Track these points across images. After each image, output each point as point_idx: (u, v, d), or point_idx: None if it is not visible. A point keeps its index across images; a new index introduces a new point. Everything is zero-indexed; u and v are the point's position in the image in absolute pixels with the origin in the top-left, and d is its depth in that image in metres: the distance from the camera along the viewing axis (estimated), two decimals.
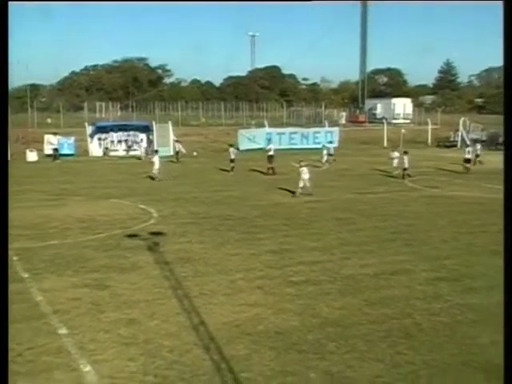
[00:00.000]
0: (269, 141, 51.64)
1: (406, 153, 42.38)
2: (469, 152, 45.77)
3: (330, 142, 58.56)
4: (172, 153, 54.56)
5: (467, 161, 44.72)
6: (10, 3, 7.62)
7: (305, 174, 32.49)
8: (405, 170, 41.24)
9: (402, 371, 11.47)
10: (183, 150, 54.40)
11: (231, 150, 45.74)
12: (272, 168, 42.82)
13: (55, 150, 52.25)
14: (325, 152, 47.47)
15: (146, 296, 15.85)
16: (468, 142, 62.08)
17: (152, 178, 38.69)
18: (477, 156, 46.23)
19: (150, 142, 56.68)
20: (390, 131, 65.11)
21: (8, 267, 7.69)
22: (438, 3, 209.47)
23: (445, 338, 13.10)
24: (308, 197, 31.80)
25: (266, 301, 15.45)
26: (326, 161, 46.97)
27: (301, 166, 33.60)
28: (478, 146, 48.41)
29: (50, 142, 53.59)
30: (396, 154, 42.97)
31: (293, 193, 32.43)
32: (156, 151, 43.25)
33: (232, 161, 45.01)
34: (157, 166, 39.42)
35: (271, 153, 45.09)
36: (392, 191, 34.85)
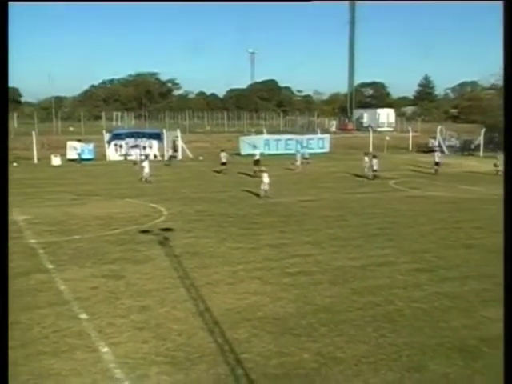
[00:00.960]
0: (254, 147, 51.42)
1: (375, 157, 43.07)
2: (438, 156, 46.52)
3: (322, 148, 58.75)
4: (181, 157, 54.54)
5: (437, 164, 45.44)
6: (10, 3, 7.32)
7: (265, 178, 32.14)
8: (374, 171, 41.78)
9: (385, 352, 11.51)
10: (190, 155, 54.31)
11: (222, 154, 45.73)
12: (259, 171, 42.44)
13: (79, 154, 52.34)
14: (299, 156, 47.27)
15: (157, 285, 15.88)
16: (444, 148, 62.28)
17: (144, 181, 38.41)
18: (436, 164, 46.28)
19: (160, 147, 56.67)
20: (375, 138, 65.14)
21: (8, 267, 7.10)
22: (420, 19, 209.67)
23: (423, 323, 13.15)
24: (301, 195, 31.84)
25: (264, 290, 15.48)
26: (301, 163, 46.69)
27: (261, 171, 34.12)
28: (438, 153, 48.74)
29: (74, 148, 53.66)
30: (366, 158, 43.17)
31: (257, 195, 32.30)
32: (146, 156, 42.82)
33: (223, 164, 44.99)
34: (147, 170, 39.12)
35: (257, 157, 44.86)
36: (377, 191, 34.83)
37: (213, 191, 34.41)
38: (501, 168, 45.74)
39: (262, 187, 31.93)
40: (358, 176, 42.05)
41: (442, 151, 60.89)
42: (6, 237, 6.97)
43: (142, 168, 39.69)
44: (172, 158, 52.96)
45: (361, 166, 42.76)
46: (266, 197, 31.52)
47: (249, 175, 41.74)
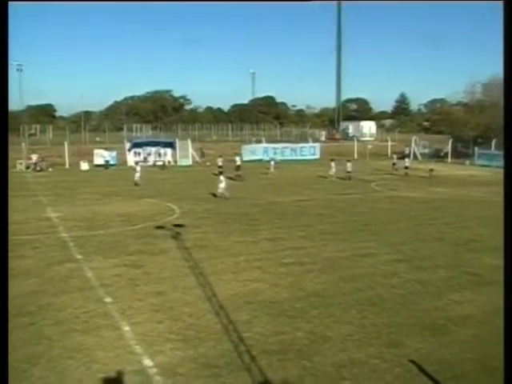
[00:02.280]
0: (239, 155, 51.14)
1: (348, 161, 44.79)
2: (407, 161, 47.92)
3: (313, 154, 58.79)
4: (191, 163, 54.47)
5: (406, 167, 46.61)
6: (10, 3, 6.68)
7: (221, 182, 32.21)
8: (348, 172, 42.98)
9: (367, 331, 11.58)
10: (199, 160, 54.29)
11: (219, 159, 45.64)
12: (240, 175, 42.45)
13: (106, 161, 52.41)
14: (272, 163, 47.04)
15: (170, 273, 15.92)
16: (418, 155, 62.42)
17: (136, 184, 38.14)
18: (406, 167, 46.80)
19: (173, 154, 56.75)
20: (359, 146, 65.29)
21: (8, 267, 6.61)
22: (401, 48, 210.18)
23: (400, 306, 13.21)
24: (295, 196, 31.89)
25: (263, 278, 15.52)
26: (274, 168, 46.35)
27: (219, 174, 35.56)
28: (407, 159, 49.33)
29: (102, 155, 53.83)
30: (332, 163, 43.70)
31: (214, 195, 32.32)
32: (137, 163, 42.50)
33: (220, 167, 44.82)
34: (138, 174, 38.83)
35: (238, 163, 44.79)
36: (360, 193, 34.84)
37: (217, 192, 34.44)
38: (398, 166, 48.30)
39: (219, 190, 31.99)
40: (341, 179, 42.07)
41: (414, 157, 61.37)
42: (6, 237, 6.47)
43: (135, 172, 39.45)
44: (196, 163, 53.25)
45: (343, 170, 42.92)
46: (224, 197, 31.61)
47: (232, 179, 41.69)
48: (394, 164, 49.41)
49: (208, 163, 55.41)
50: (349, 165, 43.58)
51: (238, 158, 46.41)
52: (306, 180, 41.66)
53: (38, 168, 48.75)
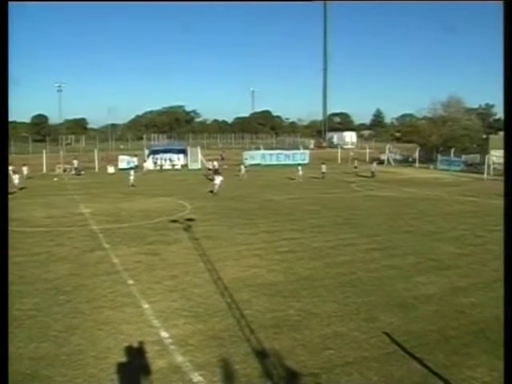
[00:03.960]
0: (252, 159, 50.71)
1: (323, 163, 45.94)
2: (374, 166, 47.97)
3: (303, 160, 58.82)
4: (200, 167, 54.37)
5: (372, 172, 46.34)
6: (10, 3, 5.97)
7: (218, 179, 33.66)
8: (323, 173, 44.16)
9: (349, 308, 11.65)
10: (206, 164, 54.28)
11: (214, 163, 45.44)
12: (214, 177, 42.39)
13: (136, 166, 51.71)
14: (242, 167, 46.61)
15: (182, 260, 15.97)
16: (391, 161, 62.54)
17: (132, 185, 37.48)
18: (372, 172, 46.93)
19: (185, 159, 56.65)
20: (342, 153, 65.25)
21: (8, 267, 6.09)
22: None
23: (376, 287, 13.26)
24: (289, 195, 31.94)
25: (261, 264, 15.55)
26: (245, 171, 45.06)
27: (218, 174, 36.04)
28: (374, 164, 49.69)
29: (126, 161, 53.74)
30: (323, 166, 44.90)
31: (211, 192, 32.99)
32: (131, 168, 42.06)
33: (210, 169, 44.81)
34: (132, 177, 38.30)
35: (217, 167, 44.80)
36: (343, 192, 34.78)
37: (223, 192, 34.42)
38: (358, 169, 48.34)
39: (215, 187, 33.03)
40: (330, 180, 42.08)
41: (388, 162, 61.54)
42: (6, 236, 5.92)
43: (129, 175, 39.00)
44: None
45: (332, 173, 43.04)
46: (214, 193, 32.50)
47: (210, 180, 41.55)
48: (355, 167, 49.59)
49: (225, 166, 55.20)
50: (323, 166, 45.07)
51: (215, 163, 46.59)
52: (299, 181, 41.60)
53: (78, 172, 48.35)
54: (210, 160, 47.54)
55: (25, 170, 43.41)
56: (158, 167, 54.16)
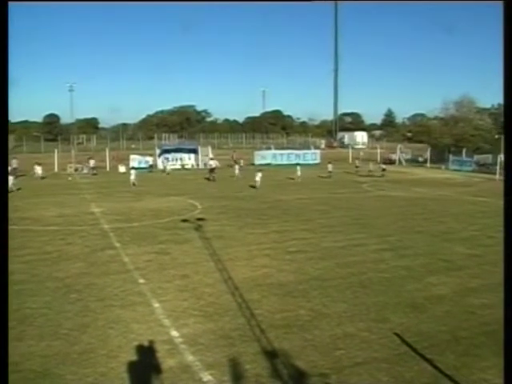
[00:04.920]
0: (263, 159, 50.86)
1: (330, 162, 46.68)
2: (382, 166, 48.64)
3: (314, 160, 58.80)
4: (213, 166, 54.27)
5: (384, 169, 46.99)
6: (9, 3, 5.88)
7: (258, 176, 35.64)
8: (329, 172, 44.76)
9: (359, 308, 11.62)
10: (219, 165, 54.33)
11: (212, 162, 45.55)
12: (213, 177, 42.34)
13: (151, 166, 51.76)
14: (237, 167, 46.41)
15: (193, 260, 15.99)
16: (403, 161, 62.28)
17: (133, 185, 37.39)
18: (383, 170, 47.22)
19: (196, 158, 56.66)
20: (353, 153, 65.18)
21: (8, 267, 6.09)
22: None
23: (386, 287, 13.22)
24: (299, 195, 31.90)
25: (271, 264, 15.56)
26: (239, 172, 45.12)
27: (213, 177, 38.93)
28: (382, 164, 50.06)
29: (138, 160, 53.94)
30: (329, 165, 45.55)
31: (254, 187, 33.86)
32: (132, 168, 42.07)
33: (212, 170, 44.51)
34: (133, 176, 38.17)
35: (213, 166, 44.39)
36: (353, 192, 34.70)
37: (232, 191, 34.48)
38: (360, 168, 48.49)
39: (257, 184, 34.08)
40: (339, 180, 42.00)
41: (399, 162, 61.31)
42: (6, 236, 5.89)
43: (130, 174, 39.10)
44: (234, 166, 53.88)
45: (340, 172, 42.94)
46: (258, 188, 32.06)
47: (208, 179, 42.32)
48: (356, 167, 49.57)
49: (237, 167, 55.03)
50: (330, 166, 45.61)
51: (211, 163, 46.03)
52: (308, 181, 41.52)
53: (95, 172, 48.19)
54: (211, 159, 47.48)
55: (39, 169, 43.68)
56: (170, 166, 53.94)
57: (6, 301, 5.66)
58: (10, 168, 44.09)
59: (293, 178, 42.23)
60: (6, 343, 5.56)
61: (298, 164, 46.29)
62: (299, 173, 41.95)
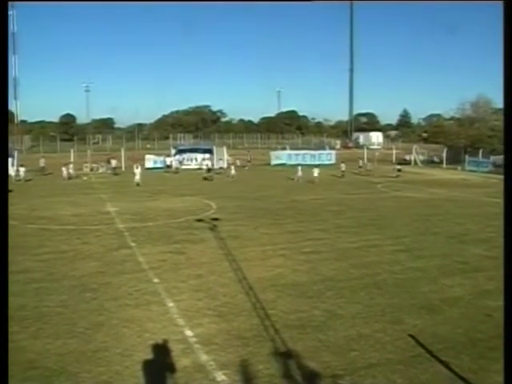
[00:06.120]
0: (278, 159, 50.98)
1: (343, 162, 47.64)
2: (398, 166, 49.28)
3: (329, 160, 58.70)
4: (226, 166, 54.35)
5: (399, 170, 47.10)
6: (9, 3, 5.53)
7: (299, 172, 37.62)
8: (343, 171, 45.57)
9: (373, 310, 11.56)
10: (237, 163, 54.40)
11: (207, 162, 45.48)
12: (211, 176, 43.33)
13: (168, 166, 52.06)
14: (233, 167, 46.44)
15: (208, 259, 16.02)
16: (418, 162, 61.95)
17: (137, 185, 37.86)
18: (399, 170, 47.15)
19: (211, 159, 56.76)
20: (368, 153, 64.50)
21: (8, 267, 5.98)
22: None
23: (401, 289, 13.13)
24: (313, 195, 31.85)
25: (286, 264, 15.54)
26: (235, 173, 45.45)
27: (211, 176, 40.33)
28: (398, 166, 49.85)
29: (153, 160, 54.41)
30: (343, 165, 46.20)
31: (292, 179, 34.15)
32: (137, 167, 42.41)
33: (209, 170, 45.52)
34: (138, 176, 38.58)
35: (209, 167, 46.03)
36: (368, 193, 34.56)
37: (247, 191, 34.49)
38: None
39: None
40: (355, 180, 41.84)
41: (415, 163, 61.00)
42: (6, 236, 5.82)
43: (135, 174, 39.31)
44: (244, 167, 54.52)
45: (354, 173, 42.80)
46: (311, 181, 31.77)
47: (206, 179, 43.06)
48: (360, 167, 49.95)
49: (246, 168, 55.18)
50: (343, 165, 46.26)
51: (207, 163, 47.61)
52: (324, 181, 41.42)
53: (116, 172, 48.36)
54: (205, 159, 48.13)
55: (64, 170, 44.09)
56: (184, 166, 54.00)
57: (5, 301, 5.64)
58: (39, 167, 47.24)
59: (293, 179, 42.07)
60: (6, 343, 5.52)
61: (299, 164, 46.05)
62: (300, 173, 41.74)
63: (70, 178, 43.21)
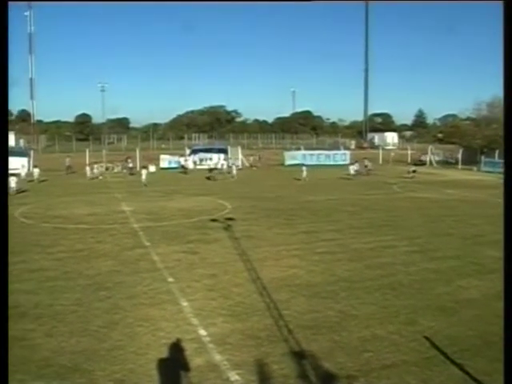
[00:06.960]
0: (293, 159, 50.96)
1: (356, 161, 48.21)
2: (413, 166, 49.57)
3: (344, 160, 58.49)
4: (241, 166, 54.36)
5: (414, 171, 46.67)
6: (10, 3, 5.88)
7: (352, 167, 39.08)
8: (356, 171, 45.63)
9: (388, 311, 11.50)
10: (247, 164, 54.38)
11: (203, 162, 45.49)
12: (213, 176, 43.20)
13: (182, 166, 51.75)
14: (234, 167, 46.69)
15: (222, 259, 16.03)
16: (434, 162, 61.56)
17: (145, 185, 37.73)
18: (414, 171, 46.82)
19: (226, 158, 56.81)
20: (383, 154, 64.57)
21: (8, 266, 6.02)
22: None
23: (416, 290, 13.05)
24: (327, 195, 31.77)
25: (300, 264, 15.50)
26: (236, 172, 46.05)
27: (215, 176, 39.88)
28: (413, 166, 50.00)
29: (168, 160, 54.58)
30: (354, 166, 46.12)
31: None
32: (144, 167, 42.31)
33: (211, 170, 45.35)
34: (144, 176, 38.66)
35: (212, 167, 46.38)
36: (383, 193, 34.33)
37: (262, 191, 34.48)
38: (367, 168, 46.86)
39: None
40: (370, 180, 41.67)
41: (430, 164, 60.65)
42: (6, 237, 5.77)
43: (141, 174, 39.39)
44: (252, 167, 54.62)
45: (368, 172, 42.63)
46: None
47: (208, 178, 43.19)
48: (365, 166, 49.60)
49: (255, 168, 55.26)
50: (357, 164, 46.91)
51: (209, 163, 48.20)
52: (335, 182, 41.31)
53: (133, 172, 48.36)
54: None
55: (88, 170, 44.46)
56: (199, 166, 53.98)
57: (6, 301, 5.63)
58: (65, 165, 48.20)
59: (299, 179, 41.82)
60: (6, 343, 5.51)
61: (303, 164, 45.90)
62: (305, 173, 41.66)
63: (93, 178, 43.42)
